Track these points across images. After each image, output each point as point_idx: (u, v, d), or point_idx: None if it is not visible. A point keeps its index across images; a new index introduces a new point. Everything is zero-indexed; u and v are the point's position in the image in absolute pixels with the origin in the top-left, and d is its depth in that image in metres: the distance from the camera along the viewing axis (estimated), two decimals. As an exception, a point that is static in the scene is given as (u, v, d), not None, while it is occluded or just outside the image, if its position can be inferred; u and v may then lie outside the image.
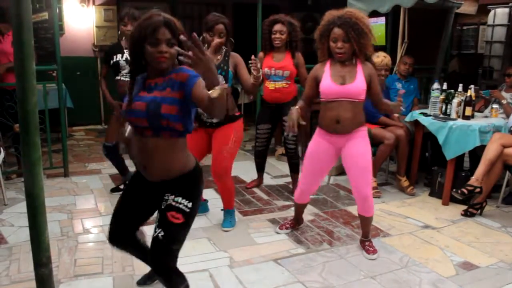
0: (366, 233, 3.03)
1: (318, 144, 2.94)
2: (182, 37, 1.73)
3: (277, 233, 3.28)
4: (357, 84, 2.74)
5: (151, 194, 2.05)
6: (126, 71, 3.74)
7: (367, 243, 3.01)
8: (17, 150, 4.24)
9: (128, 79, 3.62)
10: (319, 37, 2.81)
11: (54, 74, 4.94)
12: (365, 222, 3.00)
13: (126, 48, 3.73)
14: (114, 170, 4.44)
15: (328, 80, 2.79)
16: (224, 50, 3.17)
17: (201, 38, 3.13)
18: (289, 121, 2.85)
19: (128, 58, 3.71)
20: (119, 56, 3.76)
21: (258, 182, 4.35)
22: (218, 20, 3.07)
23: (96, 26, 6.78)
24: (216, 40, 3.08)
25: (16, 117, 4.22)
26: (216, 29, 3.07)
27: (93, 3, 6.75)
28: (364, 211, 2.93)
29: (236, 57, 3.19)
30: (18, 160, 4.33)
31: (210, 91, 1.71)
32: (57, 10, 4.28)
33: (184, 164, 1.99)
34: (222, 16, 3.13)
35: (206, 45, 3.17)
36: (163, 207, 1.97)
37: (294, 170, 4.11)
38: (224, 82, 2.96)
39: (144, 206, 2.12)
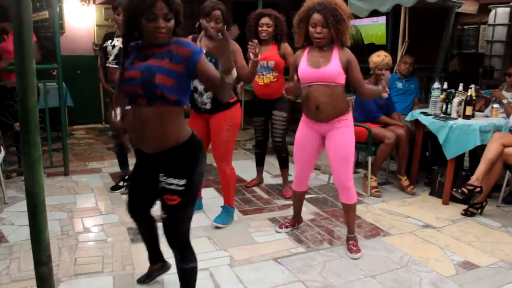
0: (351, 228, 3.03)
1: (303, 131, 3.00)
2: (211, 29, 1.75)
3: (277, 232, 3.28)
4: (331, 67, 2.77)
5: (151, 168, 2.07)
6: (112, 57, 3.80)
7: (351, 242, 3.00)
8: (17, 149, 4.25)
9: (115, 66, 3.66)
10: (298, 22, 2.85)
11: (55, 73, 4.94)
12: (348, 211, 3.01)
13: (117, 36, 3.80)
14: (114, 169, 4.46)
15: (304, 64, 2.86)
16: (220, 36, 3.14)
17: (197, 24, 3.14)
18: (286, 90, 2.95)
19: (115, 44, 3.77)
20: (108, 42, 3.86)
21: (258, 180, 4.34)
22: (215, 6, 3.04)
23: (97, 25, 6.78)
24: (215, 25, 3.04)
25: (17, 116, 4.26)
26: (213, 15, 3.04)
27: (94, 2, 6.75)
28: (345, 198, 2.97)
29: (232, 44, 3.11)
30: (19, 158, 4.34)
31: (226, 75, 1.83)
32: (58, 9, 4.29)
33: (179, 134, 1.98)
34: (219, 2, 3.09)
35: (203, 32, 3.17)
36: (160, 189, 2.01)
37: (283, 164, 4.10)
38: None
39: (149, 181, 2.12)
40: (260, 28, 3.80)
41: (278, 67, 3.84)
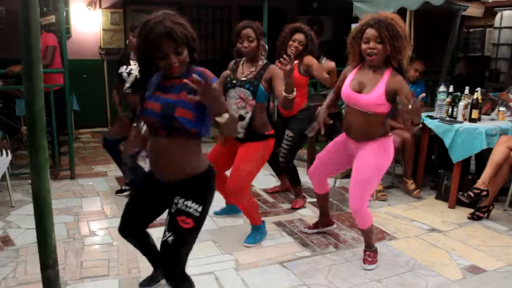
0: (367, 244, 2.92)
1: (341, 137, 2.89)
2: (194, 76, 1.71)
3: (305, 233, 3.30)
4: (371, 97, 2.57)
5: (162, 194, 2.06)
6: (128, 85, 3.76)
7: (367, 252, 2.90)
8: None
9: (128, 91, 3.60)
10: (351, 39, 2.65)
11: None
12: (363, 234, 2.92)
13: (132, 59, 3.74)
14: (120, 173, 4.47)
15: (347, 84, 2.70)
16: (264, 63, 2.99)
17: (235, 49, 3.05)
18: (317, 120, 2.86)
19: (131, 71, 3.74)
20: (124, 67, 3.80)
21: (280, 188, 4.26)
22: (245, 25, 2.94)
23: (103, 29, 6.82)
24: (248, 44, 2.92)
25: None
26: (244, 35, 2.93)
27: (100, 7, 6.79)
28: (358, 222, 2.84)
29: (272, 69, 2.94)
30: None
31: (217, 118, 1.78)
32: (64, 13, 4.31)
33: (197, 165, 1.99)
34: (251, 21, 2.97)
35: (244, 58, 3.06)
36: (173, 210, 1.96)
37: (293, 183, 3.93)
38: (250, 98, 2.90)
39: (154, 205, 2.12)
40: (291, 43, 3.64)
41: (296, 84, 3.63)
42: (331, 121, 2.89)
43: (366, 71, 2.65)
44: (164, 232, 1.95)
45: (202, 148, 2.06)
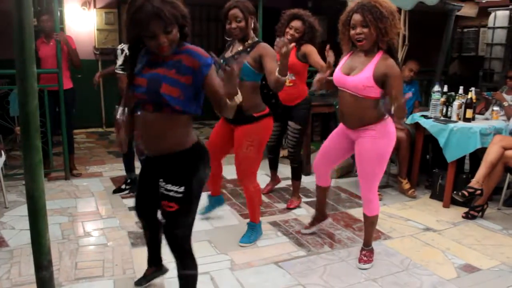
0: (366, 241, 2.93)
1: (339, 129, 2.90)
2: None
3: (304, 233, 3.30)
4: (358, 78, 2.56)
5: (154, 173, 2.08)
6: (119, 62, 3.77)
7: (363, 251, 2.91)
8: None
9: (121, 72, 3.61)
10: (341, 27, 2.66)
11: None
12: (367, 223, 2.91)
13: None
14: (115, 173, 4.46)
15: (338, 68, 2.72)
16: (254, 41, 2.90)
17: (225, 30, 2.97)
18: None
19: (124, 49, 3.74)
20: (120, 45, 3.86)
21: (272, 185, 4.27)
22: (232, 5, 2.84)
23: (97, 29, 6.80)
24: (236, 25, 2.83)
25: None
26: (231, 15, 2.84)
27: (94, 6, 6.77)
28: (366, 209, 2.86)
29: (262, 48, 2.83)
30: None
31: (229, 100, 1.82)
32: (58, 13, 4.29)
33: (182, 140, 1.98)
34: (240, 0, 2.86)
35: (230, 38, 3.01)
36: (159, 194, 2.01)
37: (295, 176, 3.90)
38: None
39: (153, 185, 2.11)
40: (287, 30, 3.56)
41: (293, 69, 3.53)
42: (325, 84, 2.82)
43: (358, 55, 2.66)
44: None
45: (200, 133, 2.07)
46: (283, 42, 2.53)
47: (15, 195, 3.97)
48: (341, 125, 2.89)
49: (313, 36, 3.59)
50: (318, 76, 2.77)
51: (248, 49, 2.88)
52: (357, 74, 2.59)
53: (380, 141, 2.66)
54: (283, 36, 3.49)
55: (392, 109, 2.40)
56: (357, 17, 2.52)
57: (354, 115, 2.68)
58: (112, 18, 6.83)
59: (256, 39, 2.96)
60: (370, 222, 2.89)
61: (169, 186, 1.96)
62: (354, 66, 2.64)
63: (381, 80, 2.54)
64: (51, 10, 4.39)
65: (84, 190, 4.16)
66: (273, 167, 4.24)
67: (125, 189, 4.03)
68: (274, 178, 4.29)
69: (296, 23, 3.56)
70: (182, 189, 1.95)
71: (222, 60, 2.96)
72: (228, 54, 3.01)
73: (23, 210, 3.54)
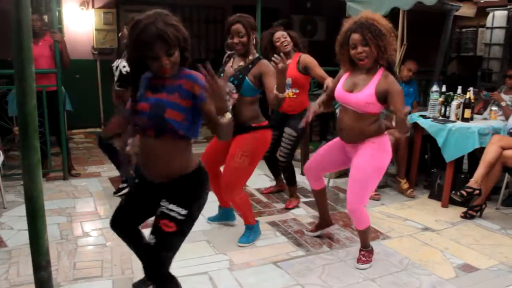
0: (362, 243, 2.92)
1: (337, 141, 2.90)
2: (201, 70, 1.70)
3: (308, 235, 3.28)
4: (360, 96, 2.60)
5: (151, 195, 2.05)
6: (116, 79, 3.76)
7: (362, 252, 2.91)
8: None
9: (118, 88, 3.60)
10: (339, 47, 2.68)
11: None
12: (359, 234, 2.92)
13: (124, 56, 3.74)
14: (113, 173, 4.45)
15: (340, 84, 2.74)
16: (255, 57, 2.94)
17: (226, 43, 3.00)
18: (307, 112, 2.85)
19: (119, 66, 3.73)
20: (115, 62, 3.83)
21: (275, 188, 4.24)
22: (234, 20, 2.87)
23: (96, 29, 6.79)
24: (238, 40, 2.88)
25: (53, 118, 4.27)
26: (233, 30, 2.87)
27: (93, 6, 6.76)
28: (357, 224, 2.85)
29: (263, 65, 2.87)
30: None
31: (220, 116, 1.78)
32: (57, 13, 4.29)
33: (184, 165, 1.97)
34: (243, 15, 2.90)
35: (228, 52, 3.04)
36: (158, 213, 1.95)
37: (288, 183, 3.92)
38: (234, 91, 2.86)
39: (144, 205, 2.10)
40: (278, 43, 3.62)
41: (297, 84, 3.65)
42: (321, 108, 2.87)
43: (359, 72, 2.68)
44: (150, 234, 1.95)
45: (194, 148, 2.05)
46: (280, 58, 2.56)
47: (13, 195, 3.96)
48: (338, 139, 2.88)
49: (294, 36, 3.72)
50: (312, 107, 2.85)
51: (250, 66, 2.91)
52: (359, 92, 2.62)
53: (379, 154, 2.69)
54: (271, 54, 3.55)
55: (393, 123, 2.42)
56: (356, 36, 2.55)
57: (354, 130, 2.70)
58: (111, 18, 6.82)
59: (257, 55, 2.99)
60: (362, 232, 2.88)
61: (172, 207, 1.92)
62: (356, 83, 2.66)
63: (383, 97, 2.58)
64: (39, 9, 4.40)
65: (83, 190, 4.16)
66: (275, 174, 4.22)
67: (124, 188, 4.02)
68: (279, 184, 4.25)
69: (277, 34, 3.65)
70: (185, 212, 1.92)
71: (222, 74, 2.97)
72: (228, 68, 3.01)
73: (22, 210, 3.54)
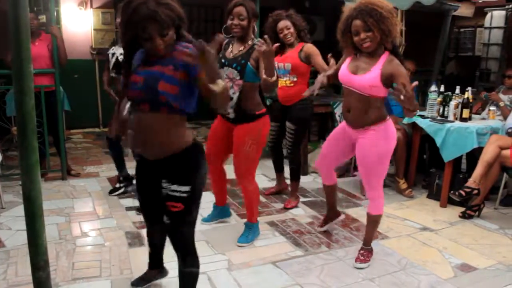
0: (366, 240, 2.93)
1: (341, 127, 2.90)
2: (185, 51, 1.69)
3: (319, 231, 3.30)
4: (365, 78, 2.59)
5: (153, 176, 2.05)
6: (111, 66, 3.77)
7: (362, 251, 2.91)
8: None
9: (115, 75, 3.59)
10: (341, 34, 2.66)
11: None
12: (369, 222, 2.91)
13: (118, 43, 3.78)
14: (112, 173, 4.45)
15: (345, 66, 2.73)
16: (253, 42, 2.90)
17: (224, 26, 2.97)
18: (315, 84, 2.86)
19: (115, 52, 3.74)
20: (111, 49, 3.84)
21: (277, 188, 4.20)
22: (238, 2, 2.86)
23: (94, 29, 6.79)
24: (238, 22, 2.86)
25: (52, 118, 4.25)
26: (235, 12, 2.85)
27: (91, 6, 6.76)
28: (369, 207, 2.88)
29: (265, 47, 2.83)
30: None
31: (211, 85, 1.74)
32: (55, 13, 4.28)
33: (180, 141, 1.97)
34: (247, 0, 2.89)
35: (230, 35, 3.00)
36: (164, 195, 1.99)
37: (293, 176, 3.90)
38: (238, 77, 2.85)
39: (154, 189, 2.08)
40: (281, 35, 3.61)
41: (296, 71, 3.63)
42: (328, 81, 2.87)
43: (364, 56, 2.66)
44: (164, 215, 2.04)
45: (197, 133, 2.05)
46: (262, 41, 2.53)
47: (11, 195, 3.95)
48: (342, 125, 2.89)
49: (301, 23, 3.68)
50: (320, 78, 2.83)
51: (250, 50, 2.90)
52: (364, 74, 2.61)
53: (380, 141, 2.69)
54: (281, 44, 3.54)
55: (402, 97, 2.32)
56: (358, 23, 2.52)
57: (361, 112, 2.69)
58: (109, 18, 6.82)
59: (256, 40, 2.96)
60: (372, 220, 2.90)
61: (174, 187, 1.95)
62: (361, 66, 2.65)
63: (388, 80, 2.57)
64: (38, 10, 4.38)
65: (81, 190, 4.15)
66: (278, 170, 4.18)
67: (119, 188, 4.02)
68: (280, 183, 4.23)
69: (282, 24, 3.61)
70: (187, 188, 1.96)
71: (223, 60, 2.97)
72: (228, 53, 3.00)
73: (20, 210, 3.53)
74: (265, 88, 2.77)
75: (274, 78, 2.67)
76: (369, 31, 2.51)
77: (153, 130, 1.91)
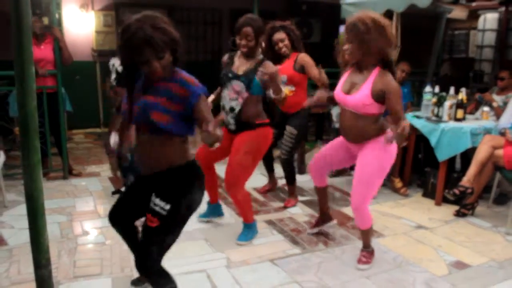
0: (364, 244, 2.94)
1: (340, 140, 2.92)
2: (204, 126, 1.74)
3: (309, 234, 3.32)
4: (357, 97, 2.61)
5: (144, 190, 2.08)
6: (113, 77, 3.81)
7: (363, 252, 2.93)
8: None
9: (116, 86, 3.62)
10: (341, 50, 2.74)
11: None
12: (361, 234, 2.95)
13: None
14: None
15: (339, 85, 2.77)
16: (261, 58, 3.02)
17: (232, 40, 3.05)
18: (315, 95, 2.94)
19: (115, 64, 3.79)
20: (112, 60, 3.89)
21: (270, 186, 4.29)
22: (245, 22, 2.92)
23: (96, 31, 6.83)
24: (246, 42, 2.94)
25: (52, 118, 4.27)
26: (243, 32, 2.93)
27: (93, 8, 6.80)
28: (359, 223, 2.86)
29: (268, 67, 2.91)
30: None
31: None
32: (57, 15, 4.32)
33: (174, 158, 1.99)
34: (254, 18, 2.97)
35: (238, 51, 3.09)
36: (149, 208, 1.98)
37: (288, 181, 3.97)
38: (244, 90, 2.94)
39: (139, 201, 2.11)
40: (276, 47, 3.69)
41: (292, 81, 3.70)
42: (326, 100, 2.93)
43: (357, 72, 2.70)
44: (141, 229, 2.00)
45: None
46: (267, 67, 2.70)
47: (14, 194, 4.00)
48: (342, 138, 2.91)
49: (295, 33, 3.73)
50: (319, 93, 2.90)
51: (257, 66, 2.97)
52: (355, 93, 2.63)
53: (382, 154, 2.69)
54: (270, 53, 3.63)
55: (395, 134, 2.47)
56: (345, 35, 2.63)
57: (355, 131, 2.72)
58: (110, 20, 6.86)
59: (261, 56, 3.05)
60: (363, 232, 2.91)
61: (157, 201, 1.93)
62: (354, 83, 2.68)
63: (380, 97, 2.58)
64: (40, 13, 4.42)
65: (83, 190, 4.20)
66: (269, 169, 4.27)
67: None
68: (272, 181, 4.31)
69: (277, 36, 3.68)
70: (168, 206, 1.91)
71: (230, 74, 3.03)
72: (236, 68, 3.05)
73: (22, 209, 3.55)
74: (277, 103, 2.97)
75: (283, 95, 2.84)
76: (351, 43, 2.59)
77: (150, 148, 1.97)
